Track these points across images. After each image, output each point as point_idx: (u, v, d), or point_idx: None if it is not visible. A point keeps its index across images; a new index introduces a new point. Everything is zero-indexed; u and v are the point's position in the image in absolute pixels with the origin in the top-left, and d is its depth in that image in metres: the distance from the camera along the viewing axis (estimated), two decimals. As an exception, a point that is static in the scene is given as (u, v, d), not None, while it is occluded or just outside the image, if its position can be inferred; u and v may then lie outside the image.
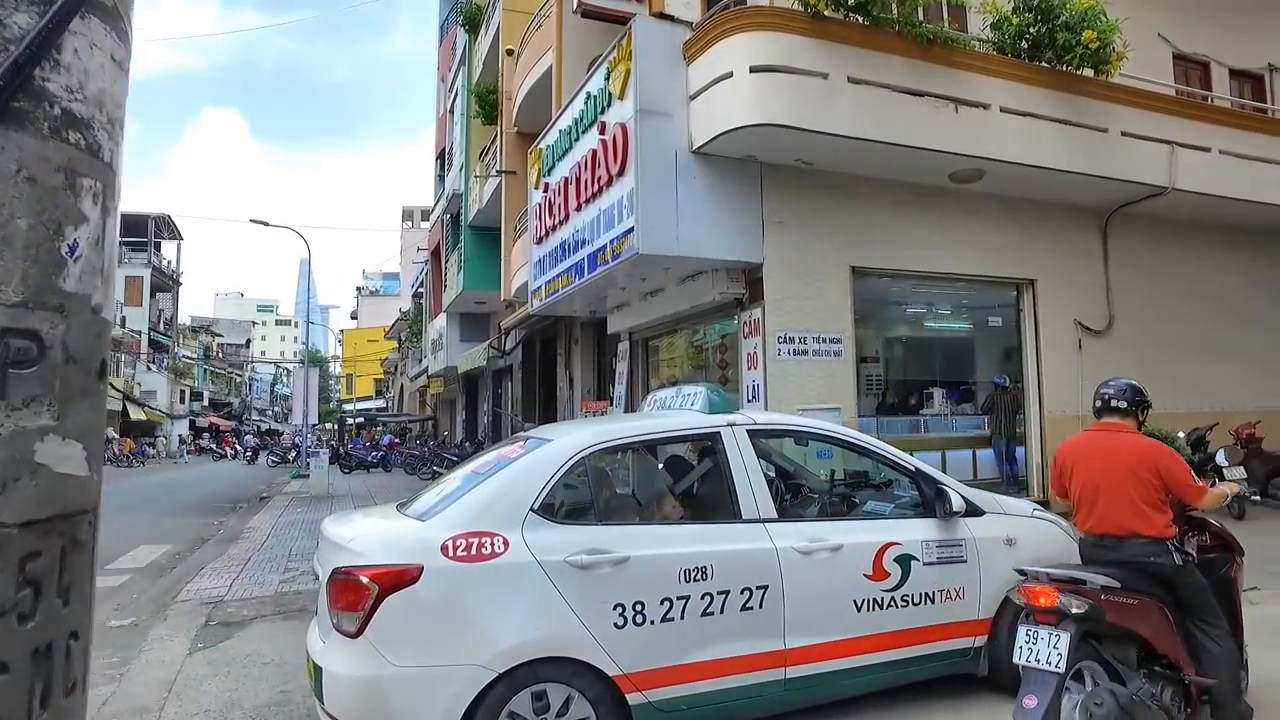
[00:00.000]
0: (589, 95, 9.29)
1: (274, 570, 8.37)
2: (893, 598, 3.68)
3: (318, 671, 3.11)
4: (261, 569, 8.47)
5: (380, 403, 58.53)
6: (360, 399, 58.04)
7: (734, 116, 7.62)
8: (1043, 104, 8.91)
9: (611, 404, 12.20)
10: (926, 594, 3.75)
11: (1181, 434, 10.10)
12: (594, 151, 9.08)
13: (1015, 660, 2.97)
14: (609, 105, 8.72)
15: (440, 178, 27.25)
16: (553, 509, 3.39)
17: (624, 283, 9.78)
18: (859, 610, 3.62)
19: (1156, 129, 9.74)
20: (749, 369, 8.71)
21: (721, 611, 3.35)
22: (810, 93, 7.68)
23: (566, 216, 10.06)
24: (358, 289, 75.45)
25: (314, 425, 29.87)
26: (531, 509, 3.24)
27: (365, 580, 2.99)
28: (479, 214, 19.23)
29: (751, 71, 7.54)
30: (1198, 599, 3.21)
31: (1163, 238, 11.10)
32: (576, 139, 9.76)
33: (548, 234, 10.91)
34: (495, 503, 3.26)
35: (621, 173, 8.33)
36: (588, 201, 9.28)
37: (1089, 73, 9.16)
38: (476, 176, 18.34)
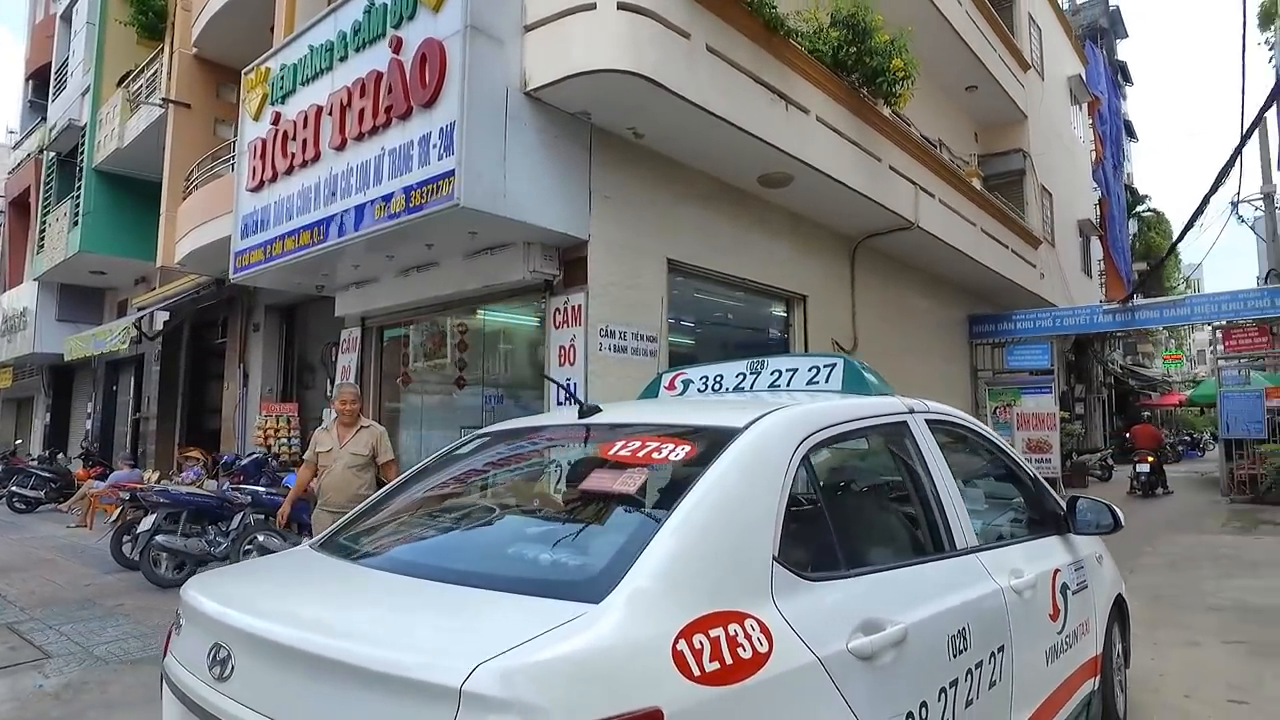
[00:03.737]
0: (372, 4, 7.20)
1: None
2: (1063, 641, 2.78)
3: None
4: None
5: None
6: None
7: (597, 57, 6.31)
8: (844, 122, 9.08)
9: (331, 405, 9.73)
10: (1075, 632, 2.91)
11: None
12: (378, 74, 7.02)
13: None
14: (411, 17, 6.78)
15: (36, 104, 20.76)
16: (795, 553, 1.86)
17: (394, 249, 7.72)
18: (1048, 664, 2.65)
19: (907, 169, 10.63)
20: (561, 364, 7.34)
21: (977, 695, 2.15)
22: (676, 50, 6.70)
23: (318, 155, 7.69)
24: None
25: None
26: (774, 557, 1.72)
27: None
28: (116, 156, 14.71)
29: (619, 8, 6.33)
30: None
31: (886, 274, 12.22)
32: (342, 58, 7.52)
33: (276, 178, 8.31)
34: (718, 548, 1.67)
35: (432, 102, 6.46)
36: (363, 137, 7.14)
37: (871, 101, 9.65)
38: (130, 101, 13.95)
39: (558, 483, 2.17)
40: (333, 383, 10.12)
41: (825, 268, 10.71)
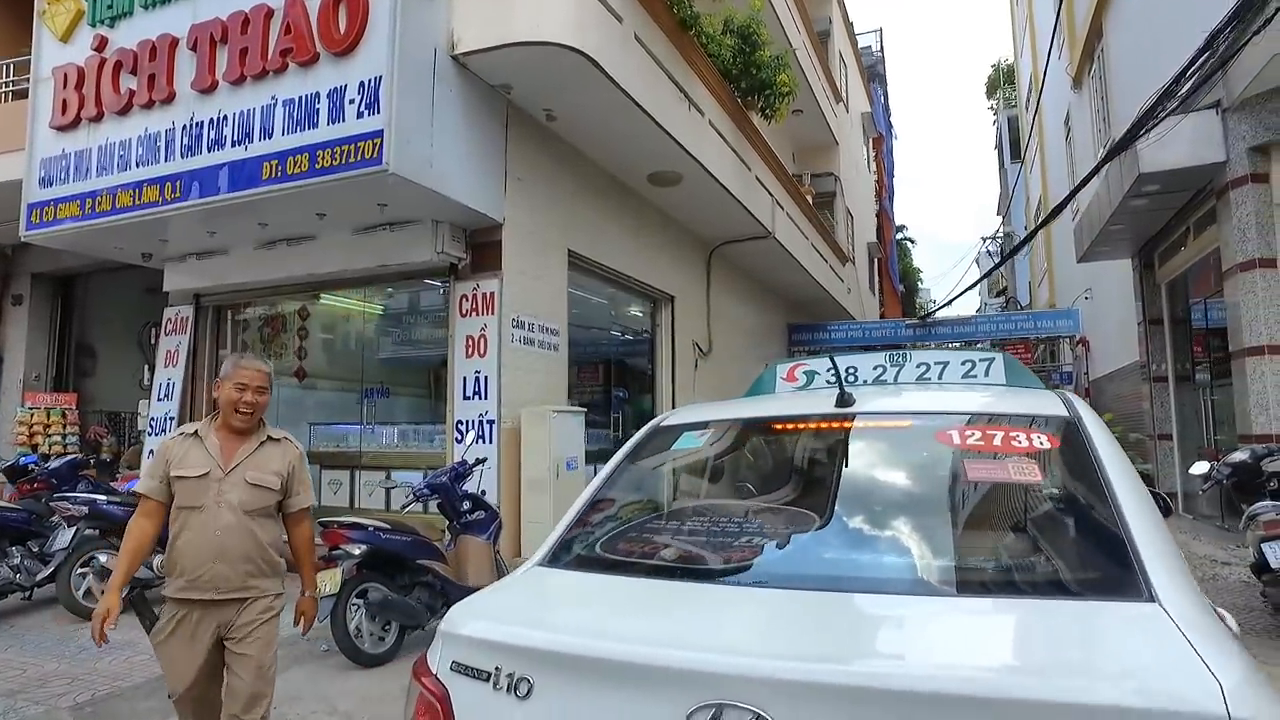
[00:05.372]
0: (256, -74, 6.18)
1: None
2: None
3: None
4: None
5: None
6: None
7: (543, 29, 5.88)
8: (727, 129, 9.32)
9: (161, 399, 8.23)
10: None
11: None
12: (268, 9, 6.04)
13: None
14: (317, -50, 5.91)
15: None
16: None
17: (272, 216, 6.66)
18: None
19: (768, 181, 11.15)
20: (469, 355, 6.79)
21: None
22: (613, 34, 6.48)
23: (171, 96, 6.45)
24: None
25: None
26: None
27: None
28: None
29: (568, -20, 5.98)
30: None
31: (730, 280, 12.72)
32: (212, -17, 6.38)
33: (101, 116, 6.85)
34: (1167, 533, 1.64)
35: (350, 51, 5.67)
36: (243, 81, 6.09)
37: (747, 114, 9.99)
38: None
39: (920, 476, 1.96)
40: (152, 369, 8.55)
41: (690, 270, 10.94)
